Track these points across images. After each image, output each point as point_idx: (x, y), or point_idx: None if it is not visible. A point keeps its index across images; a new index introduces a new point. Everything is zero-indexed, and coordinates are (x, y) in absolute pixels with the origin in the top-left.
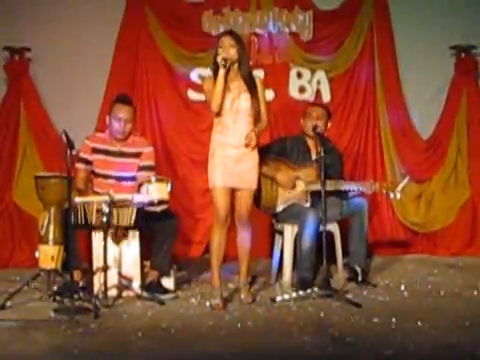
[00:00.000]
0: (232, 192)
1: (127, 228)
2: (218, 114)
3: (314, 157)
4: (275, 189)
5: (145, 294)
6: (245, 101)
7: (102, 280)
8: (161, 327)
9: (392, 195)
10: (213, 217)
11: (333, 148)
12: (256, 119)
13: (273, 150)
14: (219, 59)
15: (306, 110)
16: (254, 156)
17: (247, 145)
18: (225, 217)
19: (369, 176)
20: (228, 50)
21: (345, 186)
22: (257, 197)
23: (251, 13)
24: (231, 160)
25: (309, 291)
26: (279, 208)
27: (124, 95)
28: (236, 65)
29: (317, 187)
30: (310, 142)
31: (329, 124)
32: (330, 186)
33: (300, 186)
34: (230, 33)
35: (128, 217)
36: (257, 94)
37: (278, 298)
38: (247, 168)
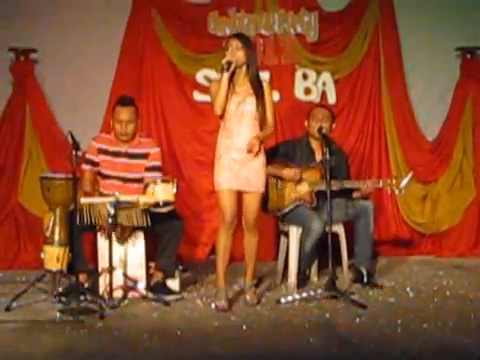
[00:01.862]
0: (240, 196)
1: (134, 228)
2: (221, 117)
3: (318, 159)
4: (281, 191)
5: (150, 295)
6: (250, 105)
7: (107, 281)
8: (166, 328)
9: (397, 191)
10: (219, 219)
11: (338, 149)
12: (262, 123)
13: (277, 153)
14: (223, 62)
15: (311, 112)
16: (260, 159)
17: (249, 151)
18: (231, 220)
19: (375, 178)
20: (235, 53)
21: (349, 184)
22: (264, 201)
23: (257, 14)
24: (237, 163)
25: (314, 292)
26: (285, 210)
27: (124, 97)
28: (244, 68)
29: (321, 187)
30: (314, 144)
31: (333, 126)
32: (334, 185)
33: (304, 187)
34: (238, 36)
35: (139, 217)
36: (263, 98)
37: (283, 299)
38: (254, 171)
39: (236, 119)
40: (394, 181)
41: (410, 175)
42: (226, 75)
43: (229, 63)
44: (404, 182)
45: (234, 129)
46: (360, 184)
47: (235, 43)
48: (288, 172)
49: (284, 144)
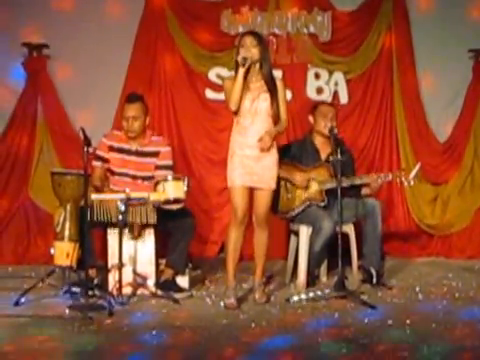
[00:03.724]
0: (251, 192)
1: (144, 225)
2: (236, 113)
3: (323, 157)
4: (291, 192)
5: (160, 292)
6: (265, 101)
7: (117, 277)
8: (175, 326)
9: (406, 183)
10: (230, 216)
11: (346, 151)
12: (276, 120)
13: (284, 154)
14: (239, 58)
15: (318, 108)
16: (273, 156)
17: (262, 149)
18: (243, 216)
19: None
20: (249, 50)
21: (359, 180)
22: (274, 203)
23: (270, 13)
24: (250, 160)
25: (323, 292)
26: (296, 211)
27: (132, 93)
28: (257, 65)
29: (331, 185)
30: (318, 141)
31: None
32: (344, 182)
33: (314, 186)
34: (252, 33)
35: (149, 214)
36: (277, 95)
37: (292, 299)
38: (266, 167)
39: (250, 116)
40: (403, 173)
41: (418, 166)
42: (242, 70)
43: (245, 59)
44: (413, 173)
45: (248, 126)
46: (370, 178)
47: (249, 40)
48: (298, 178)
49: (290, 146)
